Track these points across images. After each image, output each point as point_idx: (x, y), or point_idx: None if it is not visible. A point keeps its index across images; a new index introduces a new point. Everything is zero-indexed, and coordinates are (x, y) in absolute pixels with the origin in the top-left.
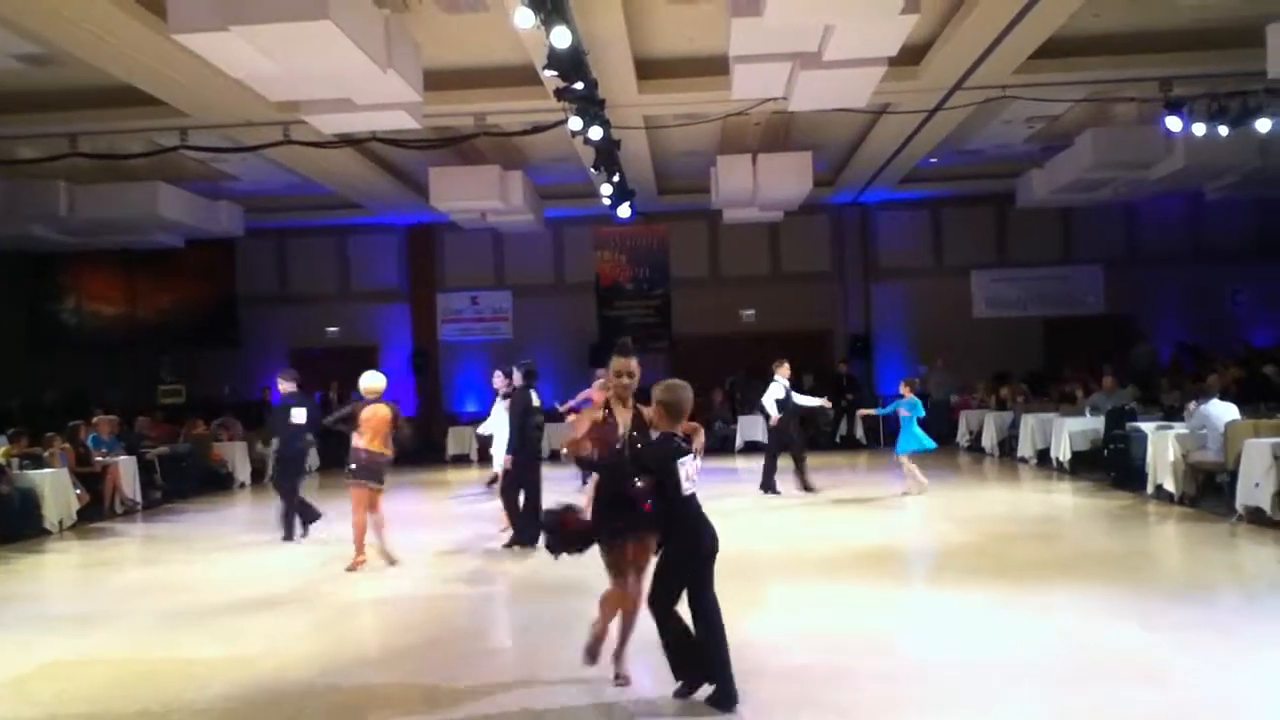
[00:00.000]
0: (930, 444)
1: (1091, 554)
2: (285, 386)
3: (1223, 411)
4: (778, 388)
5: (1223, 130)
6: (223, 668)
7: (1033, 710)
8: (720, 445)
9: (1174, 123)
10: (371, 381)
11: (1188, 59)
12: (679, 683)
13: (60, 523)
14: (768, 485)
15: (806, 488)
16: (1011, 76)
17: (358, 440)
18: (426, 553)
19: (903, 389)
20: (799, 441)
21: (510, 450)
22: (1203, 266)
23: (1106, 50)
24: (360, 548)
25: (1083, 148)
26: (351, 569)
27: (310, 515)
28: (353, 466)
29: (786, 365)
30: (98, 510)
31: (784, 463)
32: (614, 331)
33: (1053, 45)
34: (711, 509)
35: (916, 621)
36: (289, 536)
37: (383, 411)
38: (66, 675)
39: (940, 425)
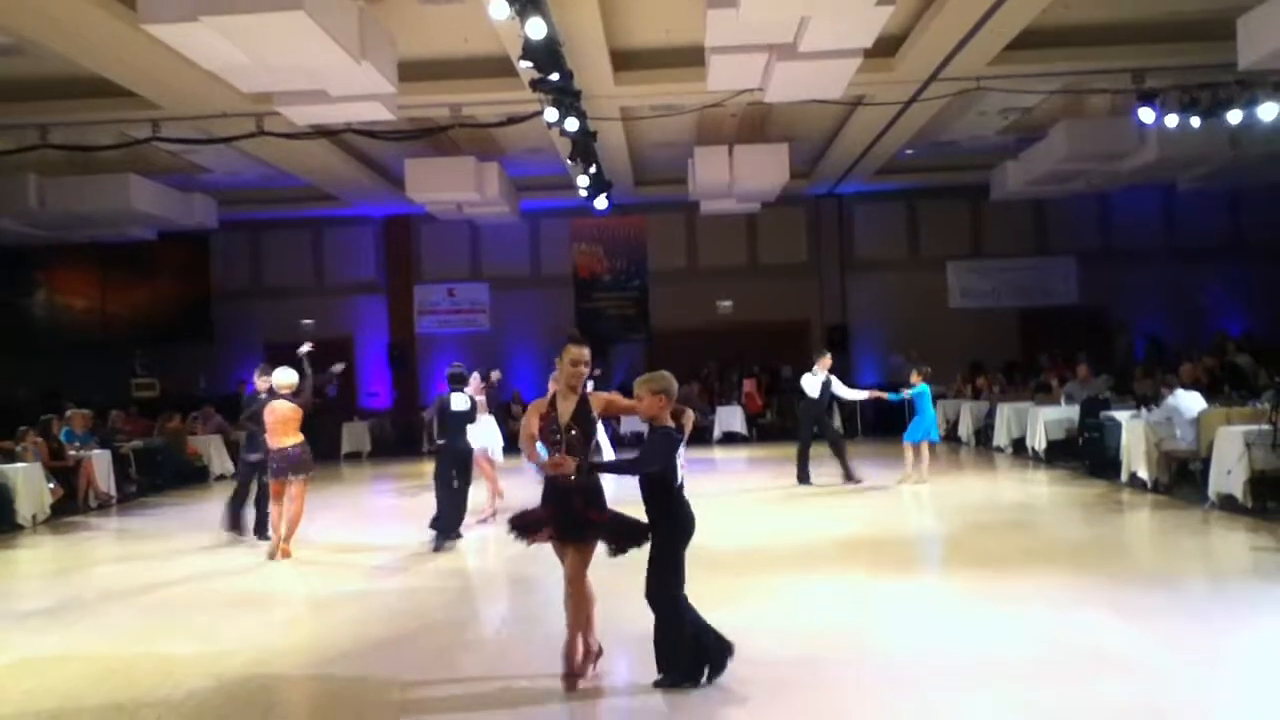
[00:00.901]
0: (936, 435)
1: (1065, 542)
2: (262, 383)
3: (1191, 402)
4: (814, 379)
5: (1195, 122)
6: (197, 663)
7: (1004, 697)
8: (697, 437)
9: (1146, 114)
10: (283, 377)
11: (1160, 51)
12: (660, 674)
13: (34, 517)
14: (803, 476)
15: (804, 479)
16: (986, 68)
17: (271, 440)
18: (400, 547)
19: (914, 378)
20: (809, 434)
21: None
22: (1175, 257)
23: (1080, 42)
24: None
25: (1056, 139)
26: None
27: (254, 520)
28: (274, 466)
29: (828, 357)
30: (72, 504)
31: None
32: (592, 323)
33: (1027, 37)
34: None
35: (890, 611)
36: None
37: (285, 407)
38: (38, 671)
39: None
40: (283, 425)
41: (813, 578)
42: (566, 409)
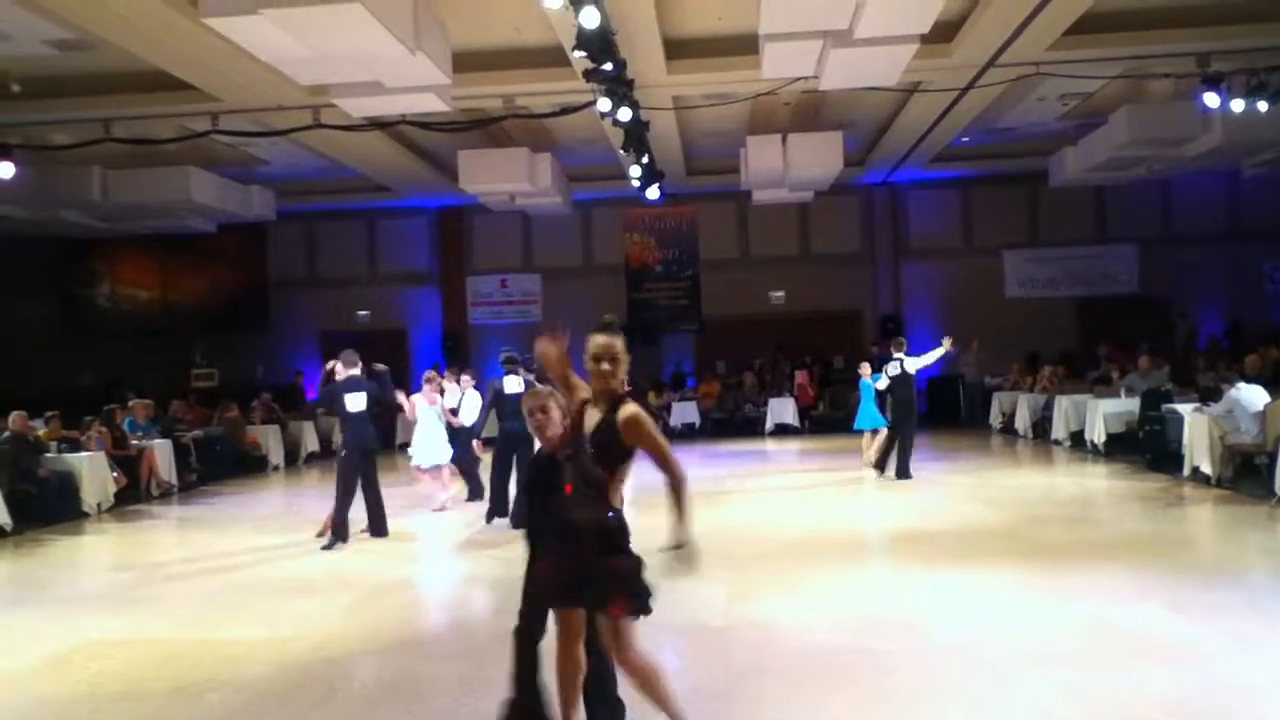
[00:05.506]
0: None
1: (1124, 536)
2: (346, 370)
3: (1253, 395)
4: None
5: (1262, 106)
6: (258, 648)
7: (1058, 691)
8: (749, 428)
9: (1211, 99)
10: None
11: (1226, 33)
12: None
13: (98, 505)
14: (903, 470)
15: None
16: (1045, 53)
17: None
18: (460, 533)
19: (861, 369)
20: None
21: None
22: (1239, 245)
23: (1142, 25)
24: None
25: (1117, 125)
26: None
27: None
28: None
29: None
30: (134, 493)
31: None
32: (644, 314)
33: (1087, 21)
34: (738, 490)
35: (945, 603)
36: (340, 537)
37: None
38: (104, 654)
39: (975, 408)
40: None
41: (867, 568)
42: (593, 422)
